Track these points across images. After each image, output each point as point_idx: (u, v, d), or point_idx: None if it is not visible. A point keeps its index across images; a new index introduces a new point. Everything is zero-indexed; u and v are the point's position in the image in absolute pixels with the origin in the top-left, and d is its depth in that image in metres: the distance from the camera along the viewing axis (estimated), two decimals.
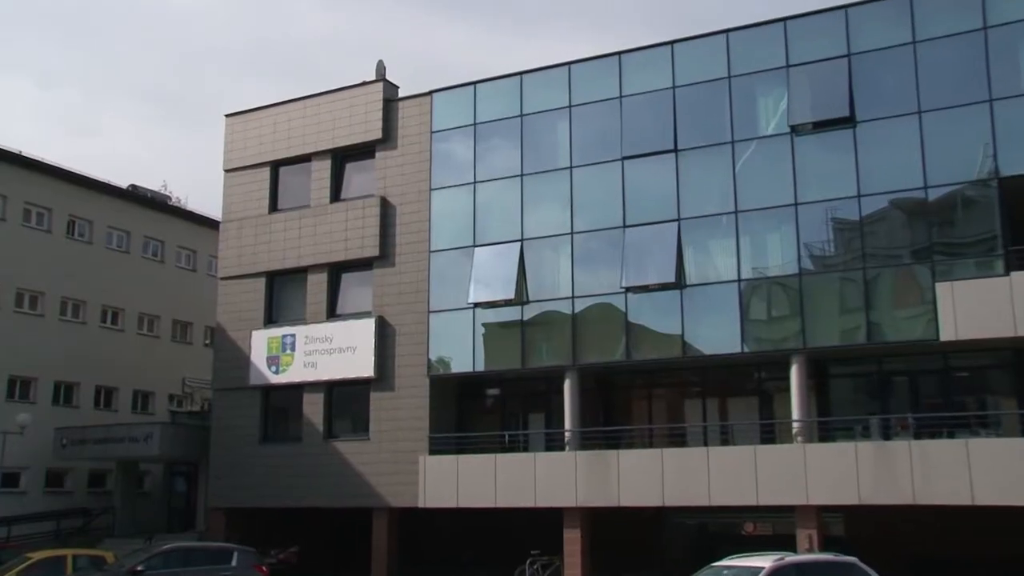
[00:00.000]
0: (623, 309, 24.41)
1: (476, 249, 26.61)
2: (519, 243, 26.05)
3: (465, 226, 26.95)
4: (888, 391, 23.27)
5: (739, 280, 23.26)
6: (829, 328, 22.32)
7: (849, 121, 22.58)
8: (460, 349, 26.43)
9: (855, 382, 23.86)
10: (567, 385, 25.16)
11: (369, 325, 27.75)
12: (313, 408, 28.57)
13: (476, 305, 26.18)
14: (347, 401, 28.55)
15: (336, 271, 29.22)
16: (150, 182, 59.56)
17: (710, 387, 25.46)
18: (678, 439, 24.78)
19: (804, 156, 23.09)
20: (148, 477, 37.82)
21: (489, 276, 26.14)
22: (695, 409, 25.60)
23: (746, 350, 23.08)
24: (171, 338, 41.06)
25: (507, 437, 26.32)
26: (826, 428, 22.70)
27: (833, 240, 22.67)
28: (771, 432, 23.39)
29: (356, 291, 28.82)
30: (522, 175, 26.42)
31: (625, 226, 24.70)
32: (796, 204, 22.89)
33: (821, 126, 22.94)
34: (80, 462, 35.37)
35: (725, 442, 24.10)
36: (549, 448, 25.62)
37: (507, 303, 25.80)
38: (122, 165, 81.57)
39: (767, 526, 25.33)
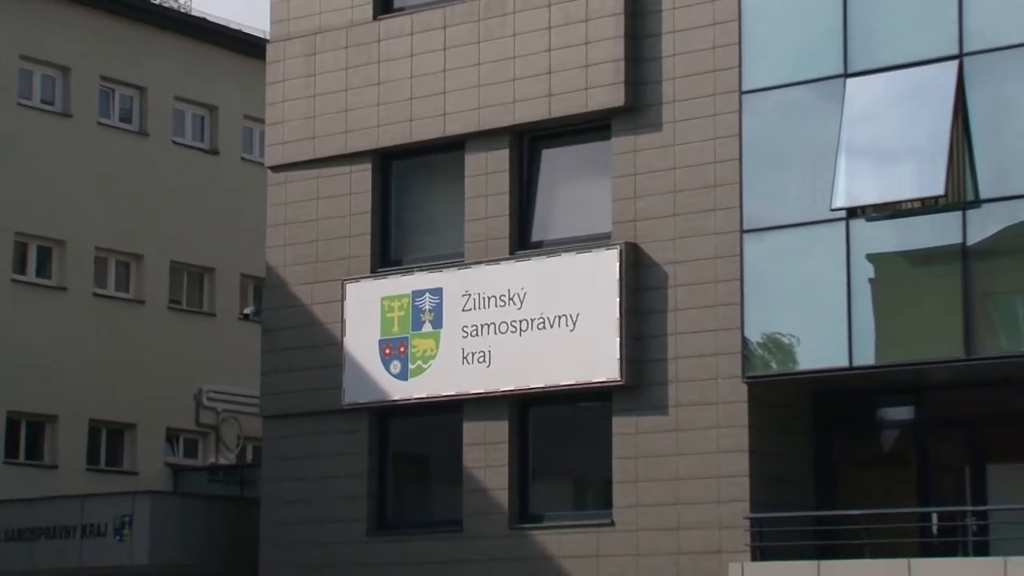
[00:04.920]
0: None
1: (849, 82, 26.93)
2: (955, 63, 25.97)
3: (821, 33, 27.41)
4: None
5: None
6: None
7: None
8: (816, 318, 26.91)
9: None
10: None
11: (606, 264, 28.42)
12: (486, 455, 29.57)
13: (851, 214, 26.43)
14: (561, 437, 30.11)
15: (529, 145, 30.26)
16: None
17: None
18: None
19: None
20: None
21: (881, 146, 26.54)
22: None
23: None
24: (167, 304, 43.14)
25: (934, 519, 26.94)
26: None
27: None
28: None
29: (574, 189, 29.91)
30: None
31: None
32: None
33: None
34: None
35: None
36: None
37: (927, 206, 25.98)
38: None
39: None
